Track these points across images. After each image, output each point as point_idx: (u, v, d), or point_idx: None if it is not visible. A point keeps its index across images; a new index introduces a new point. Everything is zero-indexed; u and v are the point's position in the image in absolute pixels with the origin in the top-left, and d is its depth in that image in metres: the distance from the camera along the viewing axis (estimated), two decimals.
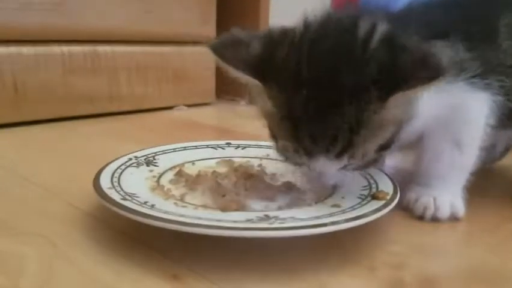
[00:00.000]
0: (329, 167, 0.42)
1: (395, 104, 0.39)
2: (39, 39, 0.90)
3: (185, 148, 0.61)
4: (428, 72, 0.37)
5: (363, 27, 0.41)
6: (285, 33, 0.43)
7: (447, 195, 0.50)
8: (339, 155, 0.41)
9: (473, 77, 0.47)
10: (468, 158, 0.50)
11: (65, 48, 0.93)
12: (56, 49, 0.92)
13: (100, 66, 0.98)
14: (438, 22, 0.49)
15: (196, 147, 0.61)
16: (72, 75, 0.94)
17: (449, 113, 0.48)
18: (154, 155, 0.58)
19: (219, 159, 0.59)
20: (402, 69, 0.38)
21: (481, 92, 0.48)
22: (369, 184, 0.50)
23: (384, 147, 0.43)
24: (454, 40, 0.47)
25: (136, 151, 0.57)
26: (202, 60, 1.12)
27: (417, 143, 0.52)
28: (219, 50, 0.42)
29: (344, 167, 0.43)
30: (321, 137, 0.40)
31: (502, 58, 0.49)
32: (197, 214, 0.42)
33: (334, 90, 0.38)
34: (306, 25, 0.43)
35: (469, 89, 0.47)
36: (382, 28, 0.41)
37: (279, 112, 0.41)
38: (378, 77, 0.38)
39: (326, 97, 0.38)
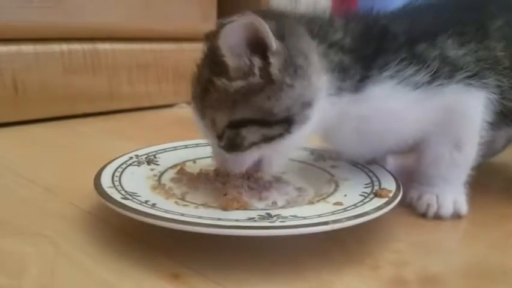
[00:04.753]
0: (204, 132, 0.46)
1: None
2: (39, 37, 0.89)
3: (186, 146, 0.61)
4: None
5: None
6: None
7: (449, 193, 0.50)
8: (200, 115, 0.45)
9: (470, 77, 0.47)
10: (468, 156, 0.50)
11: (65, 47, 0.93)
12: (55, 47, 0.92)
13: (100, 65, 0.98)
14: (427, 22, 0.50)
15: (197, 145, 0.61)
16: (72, 73, 0.94)
17: (446, 116, 0.48)
18: (155, 153, 0.57)
19: None
20: None
21: (477, 91, 0.47)
22: (372, 182, 0.49)
23: (237, 125, 0.43)
24: (442, 38, 0.47)
25: (137, 150, 0.57)
26: None
27: (415, 147, 0.51)
28: None
29: (217, 140, 0.45)
30: (193, 94, 0.46)
31: (497, 58, 0.49)
32: (198, 213, 0.41)
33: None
34: None
35: (465, 90, 0.47)
36: None
37: None
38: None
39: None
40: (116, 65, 1.01)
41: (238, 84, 0.42)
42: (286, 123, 0.43)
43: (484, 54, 0.48)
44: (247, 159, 0.45)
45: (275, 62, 0.41)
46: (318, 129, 0.48)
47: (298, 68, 0.42)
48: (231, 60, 0.41)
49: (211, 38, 0.44)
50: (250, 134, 0.43)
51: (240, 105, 0.42)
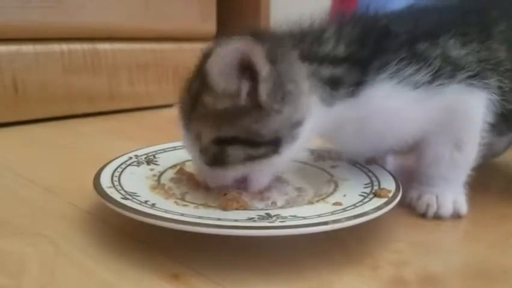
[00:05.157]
0: (187, 144, 0.46)
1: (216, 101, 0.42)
2: (39, 37, 0.89)
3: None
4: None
5: None
6: None
7: (449, 193, 0.50)
8: (185, 125, 0.45)
9: (472, 77, 0.47)
10: (468, 156, 0.50)
11: (65, 46, 0.93)
12: (55, 47, 0.92)
13: (100, 64, 0.98)
14: (430, 23, 0.49)
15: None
16: (72, 73, 0.94)
17: (447, 116, 0.48)
18: (154, 153, 0.57)
19: None
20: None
21: (479, 91, 0.47)
22: (371, 182, 0.49)
23: (223, 142, 0.42)
24: (444, 38, 0.47)
25: (137, 150, 0.57)
26: None
27: (416, 147, 0.51)
28: None
29: (200, 154, 0.44)
30: (181, 103, 0.46)
31: (499, 59, 0.49)
32: (198, 213, 0.41)
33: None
34: None
35: (466, 90, 0.47)
36: None
37: None
38: None
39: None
40: (116, 64, 1.01)
41: (225, 104, 0.42)
42: (274, 144, 0.43)
43: (486, 55, 0.48)
44: (229, 175, 0.45)
45: (264, 88, 0.41)
46: (316, 135, 0.48)
47: (287, 93, 0.42)
48: (219, 81, 0.41)
49: (205, 55, 0.44)
50: (236, 152, 0.43)
51: (227, 123, 0.42)
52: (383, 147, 0.53)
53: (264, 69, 0.40)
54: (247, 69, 0.41)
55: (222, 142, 0.43)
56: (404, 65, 0.45)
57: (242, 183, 0.46)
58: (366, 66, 0.46)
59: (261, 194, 0.48)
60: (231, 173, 0.45)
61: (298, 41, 0.46)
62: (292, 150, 0.44)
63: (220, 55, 0.40)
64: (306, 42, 0.46)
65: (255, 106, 0.41)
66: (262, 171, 0.46)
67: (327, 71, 0.45)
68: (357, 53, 0.46)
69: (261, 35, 0.43)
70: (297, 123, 0.43)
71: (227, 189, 0.47)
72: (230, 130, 0.42)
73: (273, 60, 0.41)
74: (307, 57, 0.45)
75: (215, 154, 0.43)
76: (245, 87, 0.41)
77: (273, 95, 0.41)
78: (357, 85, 0.45)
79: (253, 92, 0.41)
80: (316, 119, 0.45)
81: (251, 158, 0.43)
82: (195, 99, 0.43)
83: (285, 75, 0.42)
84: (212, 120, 0.42)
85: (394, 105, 0.46)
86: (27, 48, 0.88)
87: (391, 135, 0.49)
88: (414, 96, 0.46)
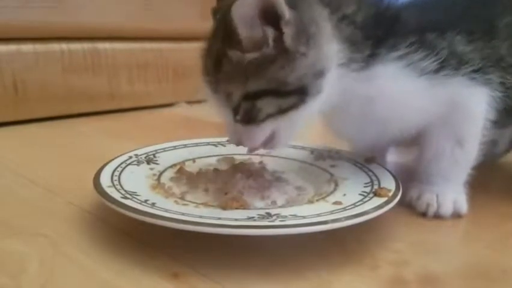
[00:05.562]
0: (218, 107, 0.46)
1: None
2: (39, 36, 0.89)
3: (185, 145, 0.61)
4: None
5: None
6: None
7: (450, 192, 0.50)
8: (213, 88, 0.45)
9: (475, 71, 0.47)
10: (469, 154, 0.50)
11: (65, 46, 0.93)
12: (55, 47, 0.92)
13: (100, 64, 0.98)
14: (438, 17, 0.49)
15: (196, 144, 0.61)
16: (72, 73, 0.94)
17: (449, 109, 0.48)
18: (154, 152, 0.57)
19: (219, 157, 0.59)
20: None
21: (481, 87, 0.48)
22: (372, 181, 0.49)
23: (253, 97, 0.43)
24: (451, 34, 0.47)
25: (137, 149, 0.57)
26: None
27: (417, 140, 0.51)
28: None
29: (232, 114, 0.45)
30: (205, 68, 0.46)
31: (503, 55, 0.49)
32: (198, 212, 0.41)
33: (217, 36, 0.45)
34: None
35: (469, 84, 0.47)
36: None
37: None
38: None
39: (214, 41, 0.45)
40: (116, 64, 1.01)
41: (251, 55, 0.42)
42: (301, 93, 0.43)
43: (489, 51, 0.48)
44: (262, 132, 0.45)
45: (288, 32, 0.41)
46: (326, 107, 0.47)
47: (310, 36, 0.43)
48: (244, 32, 0.41)
49: (223, 10, 0.44)
50: (266, 105, 0.43)
51: (255, 76, 0.42)
52: (383, 136, 0.53)
53: (286, 12, 0.41)
54: (269, 16, 0.41)
55: (253, 97, 0.43)
56: (414, 49, 0.46)
57: (271, 142, 0.47)
58: (379, 41, 0.46)
59: (262, 193, 0.48)
60: (264, 130, 0.45)
61: None
62: (316, 103, 0.45)
63: (241, 5, 0.40)
64: None
65: (281, 52, 0.42)
66: (289, 128, 0.46)
67: (347, 29, 0.46)
68: (372, 29, 0.46)
69: None
70: (321, 72, 0.44)
71: (229, 189, 0.47)
72: (259, 82, 0.42)
73: (293, 4, 0.42)
74: (328, 5, 0.45)
75: (247, 110, 0.44)
76: (271, 33, 0.41)
77: (298, 38, 0.42)
78: (369, 56, 0.46)
79: (278, 38, 0.41)
80: (333, 81, 0.45)
81: (281, 111, 0.43)
82: (219, 58, 0.43)
83: (307, 17, 0.43)
84: (240, 76, 0.43)
85: (399, 88, 0.46)
86: (27, 47, 0.88)
87: (393, 122, 0.49)
88: (419, 83, 0.46)
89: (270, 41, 0.41)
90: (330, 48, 0.44)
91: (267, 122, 0.44)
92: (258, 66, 0.42)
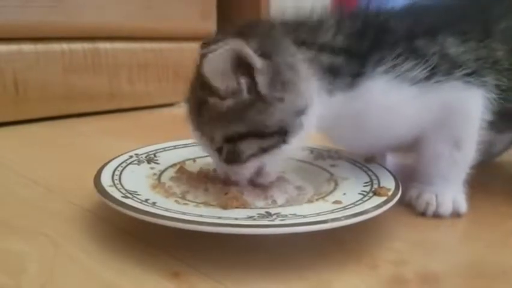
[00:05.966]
0: (204, 147, 0.47)
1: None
2: (40, 36, 0.89)
3: (186, 145, 0.61)
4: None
5: None
6: None
7: (449, 192, 0.50)
8: (197, 129, 0.46)
9: (469, 74, 0.47)
10: (467, 155, 0.50)
11: (65, 46, 0.93)
12: (56, 46, 0.92)
13: (100, 64, 0.98)
14: (430, 21, 0.50)
15: (197, 144, 0.61)
16: (72, 73, 0.94)
17: (445, 114, 0.48)
18: (155, 152, 0.58)
19: None
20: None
21: (477, 89, 0.48)
22: (371, 180, 0.49)
23: (232, 140, 0.44)
24: (443, 36, 0.48)
25: (137, 149, 0.57)
26: None
27: (415, 146, 0.51)
28: None
29: (217, 153, 0.46)
30: (189, 109, 0.47)
31: (499, 58, 0.49)
32: (198, 211, 0.41)
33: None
34: None
35: (464, 88, 0.47)
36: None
37: None
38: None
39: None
40: (117, 64, 1.01)
41: (229, 102, 0.43)
42: (281, 134, 0.44)
43: (484, 53, 0.49)
44: (247, 169, 0.46)
45: (262, 80, 0.42)
46: (316, 130, 0.48)
47: (286, 81, 0.43)
48: (218, 83, 0.42)
49: (202, 57, 0.45)
50: (247, 146, 0.44)
51: (234, 120, 0.43)
52: (381, 144, 0.53)
53: (257, 62, 0.41)
54: (243, 66, 0.42)
55: (234, 139, 0.44)
56: (401, 61, 0.46)
57: (259, 175, 0.47)
58: (364, 59, 0.46)
59: (262, 192, 0.49)
60: (248, 168, 0.46)
61: (292, 29, 0.47)
62: (299, 138, 0.45)
63: (213, 59, 0.41)
64: (302, 31, 0.47)
65: (258, 98, 0.42)
66: (276, 161, 0.47)
67: (327, 59, 0.46)
68: (356, 46, 0.47)
69: (248, 29, 0.44)
70: (301, 111, 0.44)
71: (229, 188, 0.47)
72: (239, 126, 0.43)
73: (266, 51, 0.42)
74: (304, 43, 0.46)
75: (230, 152, 0.44)
76: (244, 82, 0.42)
77: (273, 85, 0.42)
78: (355, 76, 0.46)
79: (253, 85, 0.42)
80: (319, 108, 0.45)
81: (263, 150, 0.44)
82: (200, 104, 0.45)
83: (281, 63, 0.43)
84: (220, 120, 0.43)
85: (391, 100, 0.46)
86: (28, 47, 0.88)
87: (388, 131, 0.49)
88: (411, 92, 0.46)
89: (245, 90, 0.42)
90: (309, 87, 0.45)
91: (250, 161, 0.45)
92: (237, 111, 0.43)
